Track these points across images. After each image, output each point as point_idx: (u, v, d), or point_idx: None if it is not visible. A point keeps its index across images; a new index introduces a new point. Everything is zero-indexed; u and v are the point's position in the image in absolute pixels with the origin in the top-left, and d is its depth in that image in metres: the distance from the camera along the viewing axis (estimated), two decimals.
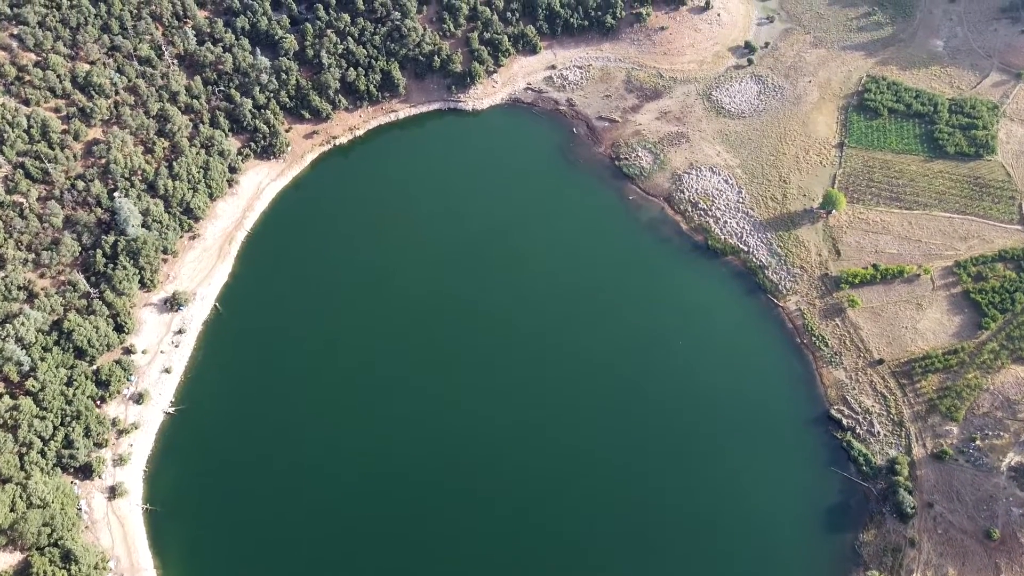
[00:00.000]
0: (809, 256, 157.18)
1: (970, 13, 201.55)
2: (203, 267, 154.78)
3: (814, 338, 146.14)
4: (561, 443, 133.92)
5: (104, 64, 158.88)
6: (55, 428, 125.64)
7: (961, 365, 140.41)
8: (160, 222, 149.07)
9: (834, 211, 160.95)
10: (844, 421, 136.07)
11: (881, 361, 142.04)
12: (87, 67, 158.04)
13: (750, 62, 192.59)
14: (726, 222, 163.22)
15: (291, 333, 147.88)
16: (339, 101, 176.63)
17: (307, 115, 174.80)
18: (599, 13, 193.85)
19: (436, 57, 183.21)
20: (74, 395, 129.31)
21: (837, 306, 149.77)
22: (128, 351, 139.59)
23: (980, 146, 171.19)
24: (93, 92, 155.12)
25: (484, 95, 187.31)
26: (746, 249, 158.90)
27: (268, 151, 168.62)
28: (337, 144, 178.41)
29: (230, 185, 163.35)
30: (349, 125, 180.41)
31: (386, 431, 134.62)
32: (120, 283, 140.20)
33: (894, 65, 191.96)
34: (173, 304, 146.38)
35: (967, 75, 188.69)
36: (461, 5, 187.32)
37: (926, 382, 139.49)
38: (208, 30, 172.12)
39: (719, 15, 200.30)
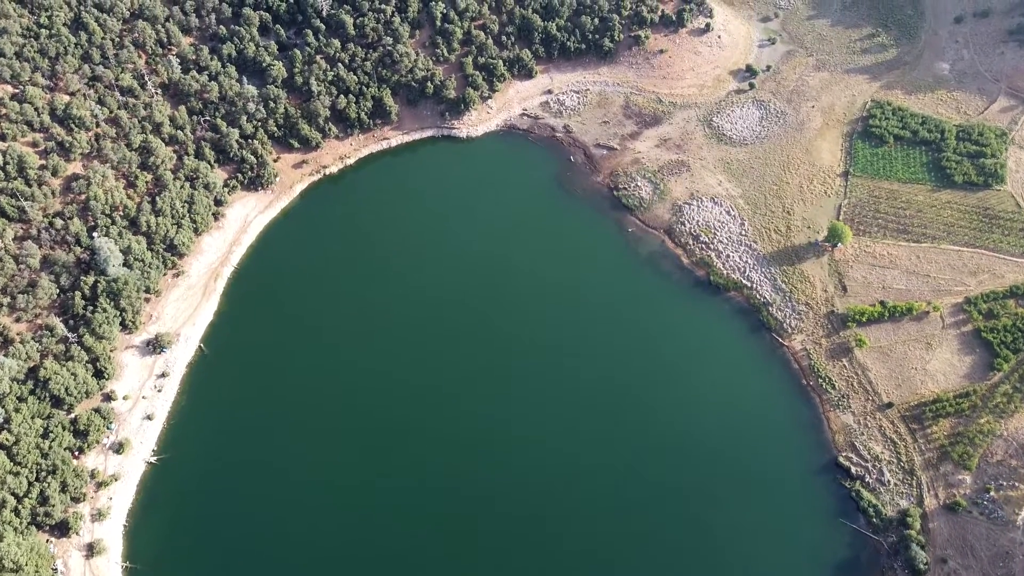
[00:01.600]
0: (815, 292, 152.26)
1: (976, 35, 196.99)
2: (187, 306, 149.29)
3: (821, 380, 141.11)
4: (559, 490, 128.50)
5: (84, 95, 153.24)
6: (30, 484, 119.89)
7: (973, 409, 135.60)
8: (142, 260, 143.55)
9: (840, 244, 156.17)
10: (853, 469, 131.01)
11: (890, 404, 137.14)
12: (66, 99, 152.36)
13: (752, 86, 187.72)
14: (728, 256, 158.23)
15: (279, 374, 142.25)
16: (329, 129, 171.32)
17: (296, 144, 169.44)
18: (597, 36, 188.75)
19: (429, 83, 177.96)
20: (50, 447, 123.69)
21: (844, 346, 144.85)
22: (108, 397, 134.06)
23: (989, 175, 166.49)
24: (73, 125, 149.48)
25: (479, 121, 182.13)
26: (749, 285, 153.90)
27: (256, 182, 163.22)
28: (327, 173, 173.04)
29: (216, 218, 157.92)
30: (339, 154, 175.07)
31: (380, 480, 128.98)
32: (100, 326, 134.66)
33: (899, 89, 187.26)
34: (156, 346, 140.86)
35: (974, 100, 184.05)
36: (455, 29, 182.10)
37: (937, 427, 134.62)
38: (193, 57, 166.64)
39: (720, 37, 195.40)
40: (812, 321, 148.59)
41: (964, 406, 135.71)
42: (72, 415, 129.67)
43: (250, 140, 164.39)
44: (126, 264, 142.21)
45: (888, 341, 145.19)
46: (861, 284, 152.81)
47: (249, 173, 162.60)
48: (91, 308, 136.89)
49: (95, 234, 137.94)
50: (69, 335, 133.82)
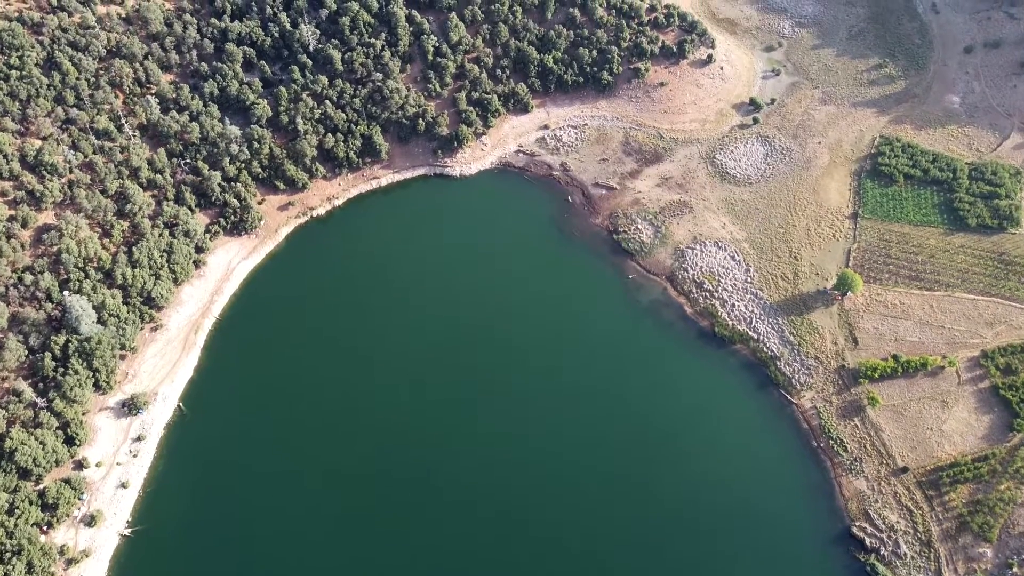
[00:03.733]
0: (824, 345, 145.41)
1: (987, 67, 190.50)
2: (166, 362, 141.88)
3: (832, 441, 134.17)
4: (556, 557, 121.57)
5: (57, 140, 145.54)
6: None
7: (992, 474, 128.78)
8: (117, 316, 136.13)
9: (850, 293, 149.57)
10: (867, 541, 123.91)
11: (905, 469, 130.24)
12: (38, 144, 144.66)
13: (755, 121, 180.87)
14: (734, 305, 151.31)
15: (262, 434, 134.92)
16: (316, 169, 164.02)
17: (282, 185, 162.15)
18: (595, 69, 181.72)
19: (421, 119, 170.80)
20: (15, 525, 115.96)
21: (856, 404, 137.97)
22: (80, 465, 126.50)
23: (1004, 218, 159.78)
24: (44, 172, 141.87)
25: (472, 159, 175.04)
26: (756, 337, 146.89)
27: (239, 227, 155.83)
28: (314, 215, 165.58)
29: (197, 266, 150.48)
30: (327, 194, 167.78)
31: (373, 546, 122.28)
32: (71, 389, 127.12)
33: (908, 124, 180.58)
34: (132, 408, 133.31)
35: (986, 136, 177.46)
36: (447, 63, 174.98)
37: (955, 494, 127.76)
38: (173, 96, 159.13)
39: (722, 68, 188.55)
40: (822, 377, 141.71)
41: (983, 471, 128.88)
42: (40, 486, 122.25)
43: (233, 183, 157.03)
44: (100, 321, 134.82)
45: (902, 399, 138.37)
46: (873, 336, 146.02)
47: (232, 217, 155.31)
48: (62, 370, 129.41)
49: (66, 292, 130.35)
50: (38, 400, 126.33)
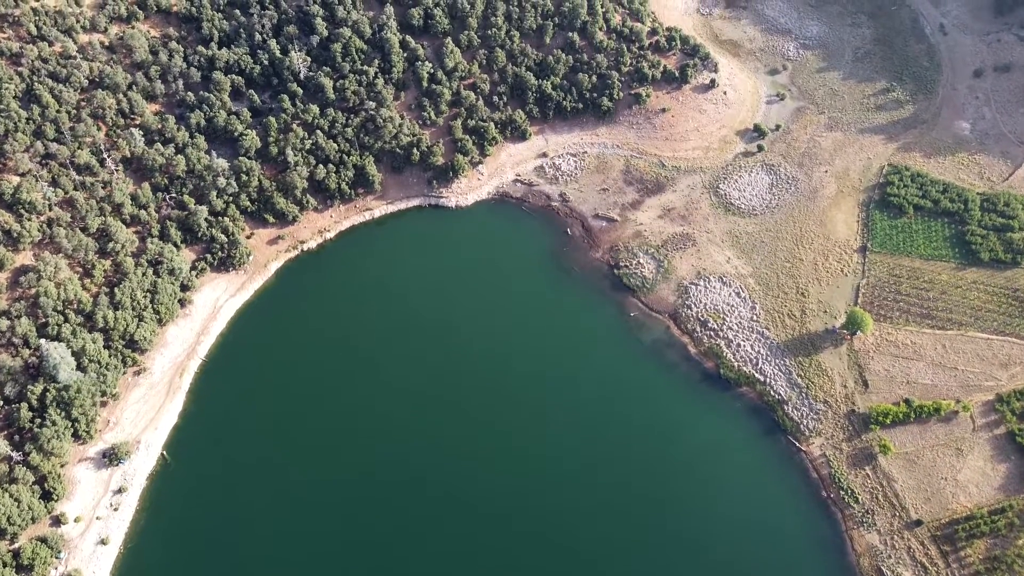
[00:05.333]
0: (833, 388, 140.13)
1: (998, 91, 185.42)
2: (149, 407, 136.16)
3: (842, 492, 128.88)
4: None
5: (36, 176, 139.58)
6: None
7: (1010, 528, 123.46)
8: (98, 362, 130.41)
9: (859, 332, 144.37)
10: None
11: (919, 522, 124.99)
12: (16, 180, 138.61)
13: (760, 148, 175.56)
14: (739, 345, 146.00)
15: (250, 484, 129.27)
16: (307, 201, 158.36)
17: (271, 219, 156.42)
18: (594, 95, 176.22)
19: (415, 149, 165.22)
20: None
21: (867, 451, 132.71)
22: (57, 521, 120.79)
23: (1017, 252, 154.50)
24: (22, 210, 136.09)
25: (468, 189, 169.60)
26: (762, 379, 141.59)
27: (226, 263, 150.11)
28: (305, 249, 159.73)
29: (182, 305, 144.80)
30: (319, 227, 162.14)
31: None
32: (49, 442, 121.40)
33: (917, 152, 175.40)
34: (113, 458, 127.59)
35: (998, 164, 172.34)
36: (443, 90, 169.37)
37: (971, 549, 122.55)
38: (158, 127, 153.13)
39: (725, 93, 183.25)
40: (832, 422, 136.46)
41: (1000, 524, 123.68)
42: (15, 545, 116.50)
43: (220, 217, 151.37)
44: (80, 367, 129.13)
45: (915, 446, 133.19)
46: (883, 378, 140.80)
47: (219, 253, 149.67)
48: (39, 421, 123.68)
49: (43, 341, 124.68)
50: (13, 454, 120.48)
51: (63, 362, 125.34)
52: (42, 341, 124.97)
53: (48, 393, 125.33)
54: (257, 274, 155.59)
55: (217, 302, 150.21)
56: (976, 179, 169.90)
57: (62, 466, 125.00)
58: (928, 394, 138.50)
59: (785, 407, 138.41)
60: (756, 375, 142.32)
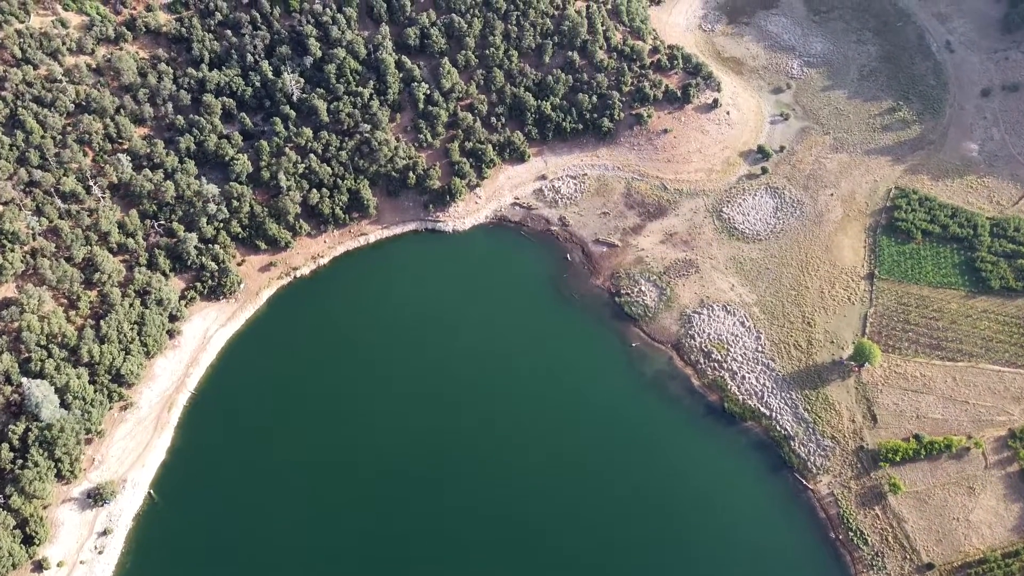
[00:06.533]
0: (841, 423, 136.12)
1: (1006, 111, 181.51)
2: (136, 444, 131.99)
3: (851, 533, 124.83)
4: None
5: (19, 205, 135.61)
6: None
7: None
8: (83, 398, 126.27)
9: (867, 364, 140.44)
10: None
11: (931, 566, 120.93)
12: None
13: (764, 170, 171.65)
14: (744, 377, 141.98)
15: (241, 525, 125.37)
16: (300, 227, 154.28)
17: (263, 245, 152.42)
18: (595, 115, 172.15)
19: (411, 172, 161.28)
20: None
21: (876, 490, 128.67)
22: (39, 566, 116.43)
23: None
24: (5, 241, 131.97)
25: (466, 213, 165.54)
26: (768, 413, 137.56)
27: (217, 291, 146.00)
28: (298, 276, 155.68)
29: (171, 336, 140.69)
30: (312, 253, 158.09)
31: None
32: (31, 484, 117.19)
33: (925, 174, 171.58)
34: (97, 498, 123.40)
35: (1007, 187, 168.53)
36: (439, 111, 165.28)
37: None
38: (147, 152, 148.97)
39: (728, 113, 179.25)
40: (840, 459, 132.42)
41: (1014, 568, 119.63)
42: None
43: (210, 244, 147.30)
44: (64, 404, 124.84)
45: (925, 484, 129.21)
46: (892, 413, 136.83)
47: (209, 281, 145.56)
48: (21, 461, 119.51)
49: (25, 380, 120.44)
50: None
51: (46, 400, 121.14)
52: (24, 380, 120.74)
53: (30, 432, 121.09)
54: (248, 302, 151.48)
55: (207, 332, 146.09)
56: (985, 202, 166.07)
57: (44, 508, 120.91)
58: (938, 429, 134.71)
59: (792, 443, 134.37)
60: (762, 409, 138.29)
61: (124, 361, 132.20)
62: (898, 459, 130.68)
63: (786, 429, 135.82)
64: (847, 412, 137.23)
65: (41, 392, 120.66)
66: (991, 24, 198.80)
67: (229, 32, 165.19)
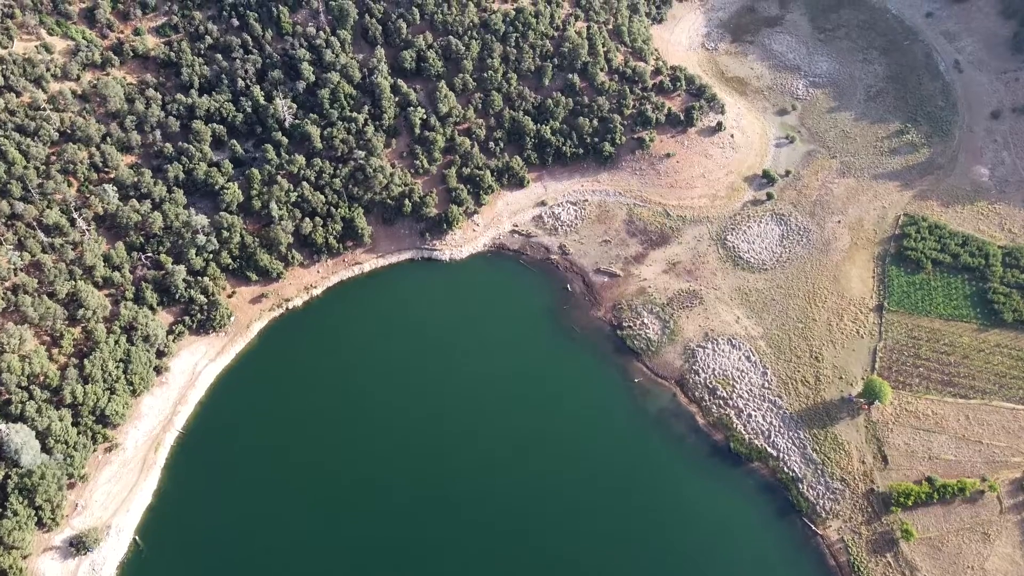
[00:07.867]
0: (851, 464, 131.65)
1: (1017, 134, 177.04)
2: (121, 487, 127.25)
3: None
4: None
5: (0, 239, 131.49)
6: None
7: None
8: (66, 442, 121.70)
9: (877, 402, 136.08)
10: None
11: None
12: None
13: (770, 196, 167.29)
14: (750, 415, 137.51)
15: (231, 572, 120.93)
16: (292, 257, 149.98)
17: (254, 276, 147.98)
18: (595, 139, 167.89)
19: (407, 199, 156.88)
20: None
21: (888, 536, 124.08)
22: None
23: None
24: None
25: (463, 241, 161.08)
26: (775, 454, 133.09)
27: (206, 325, 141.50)
28: (290, 307, 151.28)
29: (158, 372, 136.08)
30: (305, 283, 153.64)
31: None
32: (9, 534, 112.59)
33: (934, 200, 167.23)
34: (80, 546, 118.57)
35: (1019, 214, 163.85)
36: (436, 137, 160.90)
37: None
38: (133, 181, 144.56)
39: (732, 136, 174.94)
40: (850, 502, 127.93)
41: None
42: None
43: (199, 276, 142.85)
44: (45, 449, 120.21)
45: (938, 530, 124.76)
46: (904, 453, 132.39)
47: (198, 315, 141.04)
48: (0, 511, 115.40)
49: (3, 426, 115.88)
50: None
51: (26, 446, 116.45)
52: (2, 425, 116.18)
53: (9, 480, 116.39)
54: (239, 336, 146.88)
55: (196, 367, 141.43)
56: (997, 230, 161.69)
57: (24, 559, 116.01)
58: (951, 471, 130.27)
59: (800, 485, 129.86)
60: (769, 449, 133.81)
61: (109, 401, 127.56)
62: (910, 503, 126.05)
63: (794, 471, 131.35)
64: (857, 452, 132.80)
65: (20, 438, 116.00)
66: (1000, 43, 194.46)
67: (219, 56, 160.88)
